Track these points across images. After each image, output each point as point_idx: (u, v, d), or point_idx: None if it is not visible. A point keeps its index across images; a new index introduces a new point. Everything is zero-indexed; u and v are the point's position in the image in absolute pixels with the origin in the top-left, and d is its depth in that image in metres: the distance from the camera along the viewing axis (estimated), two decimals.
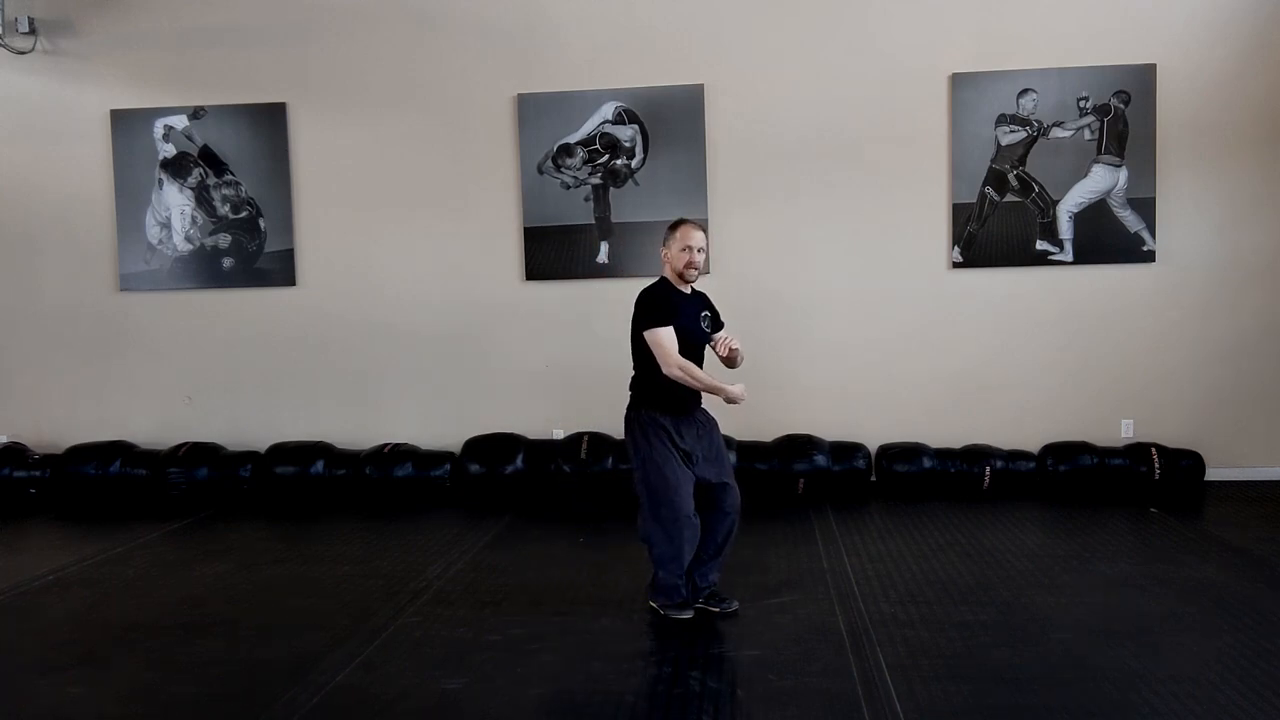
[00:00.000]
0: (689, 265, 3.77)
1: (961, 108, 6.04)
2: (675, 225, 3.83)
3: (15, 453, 6.41)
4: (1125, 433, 6.11)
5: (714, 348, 3.91)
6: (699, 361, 3.84)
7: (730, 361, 3.90)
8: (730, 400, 3.73)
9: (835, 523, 5.19)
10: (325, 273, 6.49)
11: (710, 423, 3.89)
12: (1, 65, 6.51)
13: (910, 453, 5.96)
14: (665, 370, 3.69)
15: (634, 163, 6.21)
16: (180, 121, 6.47)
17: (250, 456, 6.27)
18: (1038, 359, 6.13)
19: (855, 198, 6.14)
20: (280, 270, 6.48)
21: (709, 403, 3.89)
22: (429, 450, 6.28)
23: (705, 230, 3.86)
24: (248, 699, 3.12)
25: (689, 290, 3.89)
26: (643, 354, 3.81)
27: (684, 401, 3.80)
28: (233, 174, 6.46)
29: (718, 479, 3.80)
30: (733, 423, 6.18)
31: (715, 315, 3.99)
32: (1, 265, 6.67)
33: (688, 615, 3.75)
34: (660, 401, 3.78)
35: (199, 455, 6.23)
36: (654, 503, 3.71)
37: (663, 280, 3.86)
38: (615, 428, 6.24)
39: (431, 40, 6.32)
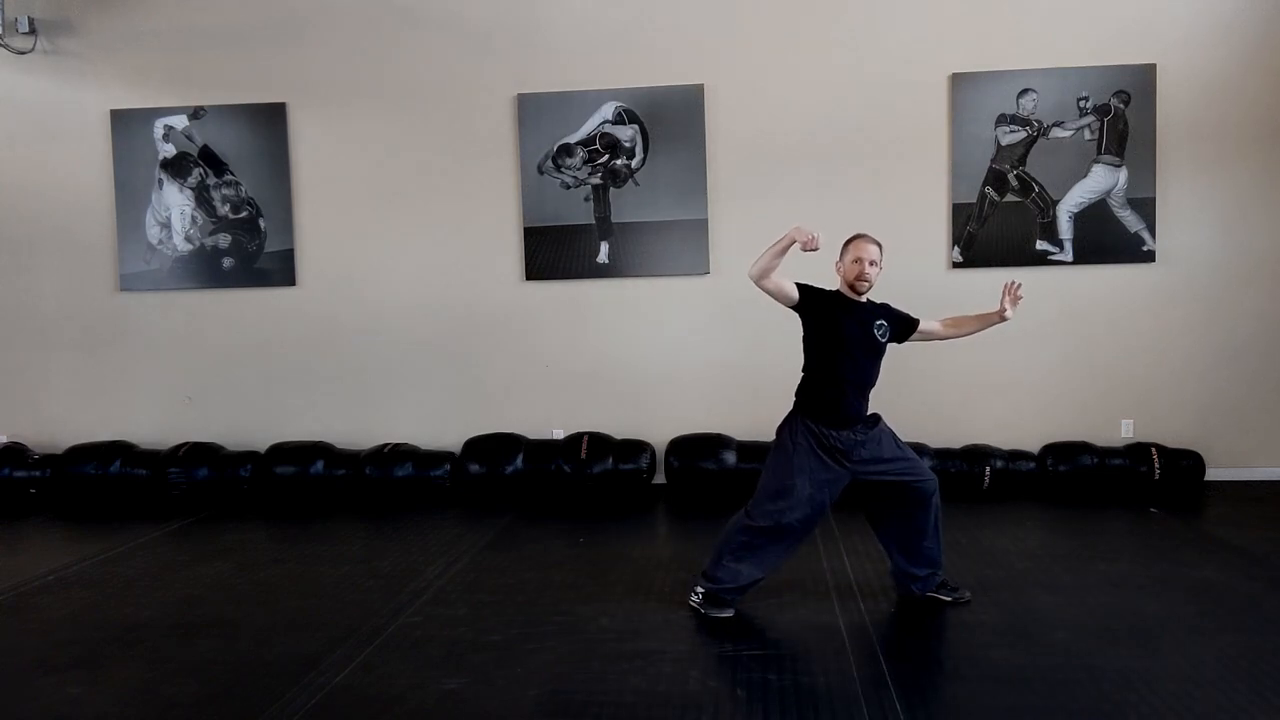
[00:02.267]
0: (859, 277, 3.75)
1: (961, 108, 6.04)
2: (852, 238, 3.83)
3: (15, 453, 6.41)
4: (1125, 433, 6.11)
5: (1005, 301, 3.97)
6: (871, 371, 3.82)
7: (988, 321, 3.99)
8: (799, 243, 3.52)
9: (835, 522, 5.18)
10: (325, 273, 6.50)
11: (879, 434, 3.81)
12: (1, 65, 6.51)
13: None
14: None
15: (634, 163, 6.21)
16: (180, 121, 6.47)
17: (250, 456, 6.27)
18: (1038, 359, 6.14)
19: (855, 198, 6.13)
20: (280, 270, 6.48)
21: (882, 412, 3.87)
22: (429, 450, 6.28)
23: (880, 245, 3.83)
24: (247, 699, 3.12)
25: (863, 300, 3.85)
26: (808, 357, 3.84)
27: (841, 412, 3.75)
28: (233, 174, 6.46)
29: (897, 477, 3.77)
30: (733, 423, 6.20)
31: (899, 323, 3.92)
32: (2, 265, 6.67)
33: (727, 614, 3.76)
34: (814, 409, 3.76)
35: (199, 455, 6.23)
36: (756, 500, 3.75)
37: (835, 291, 3.85)
38: (615, 428, 6.30)
39: (432, 40, 6.32)
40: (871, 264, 3.77)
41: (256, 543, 5.16)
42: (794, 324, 3.88)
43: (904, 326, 3.96)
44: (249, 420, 6.57)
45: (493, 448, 6.14)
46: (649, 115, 6.18)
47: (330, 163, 6.44)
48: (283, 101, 6.42)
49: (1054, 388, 6.14)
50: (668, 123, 6.17)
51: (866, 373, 3.82)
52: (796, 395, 3.86)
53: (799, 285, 3.74)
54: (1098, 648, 3.39)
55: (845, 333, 3.75)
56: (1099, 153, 5.99)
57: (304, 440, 6.39)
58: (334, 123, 6.42)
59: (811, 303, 3.77)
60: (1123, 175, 5.98)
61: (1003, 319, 3.99)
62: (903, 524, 3.85)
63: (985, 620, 3.69)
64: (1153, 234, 5.99)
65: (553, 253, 6.29)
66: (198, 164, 6.48)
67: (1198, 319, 6.07)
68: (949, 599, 3.87)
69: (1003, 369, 6.15)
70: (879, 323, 3.84)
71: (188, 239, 6.52)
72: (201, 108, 6.45)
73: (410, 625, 3.77)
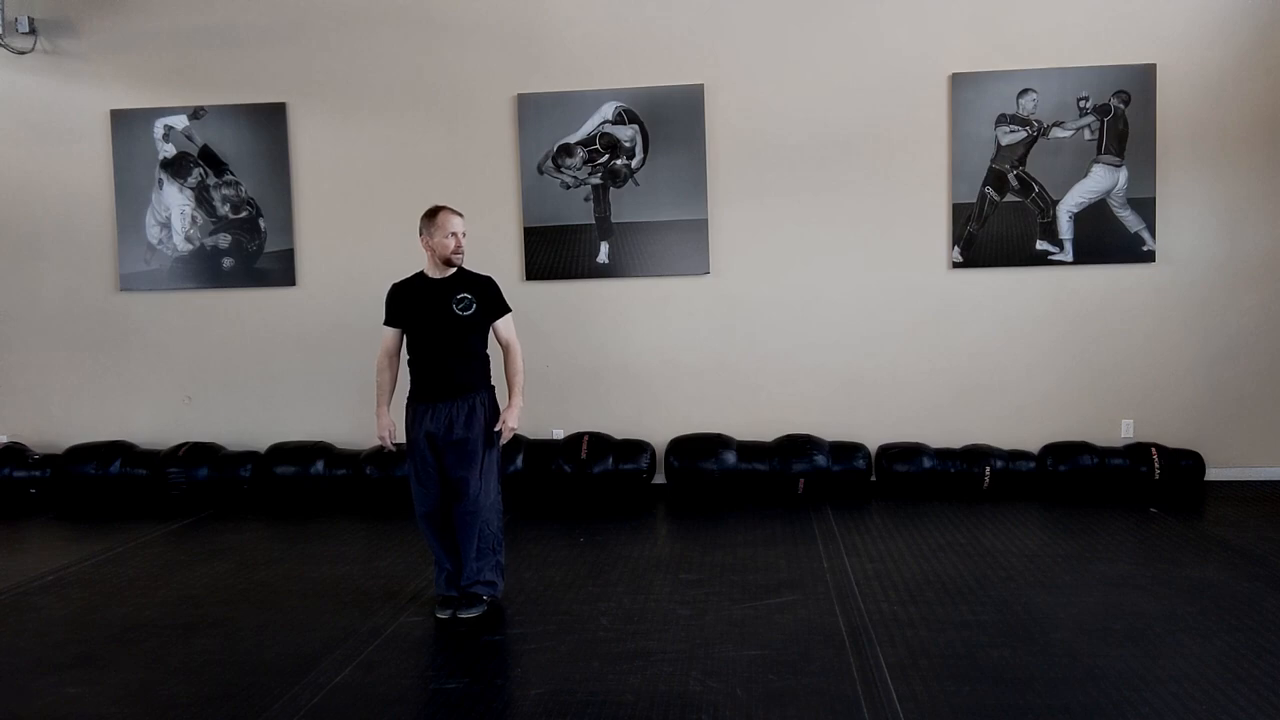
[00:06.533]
0: (456, 250, 3.90)
1: (961, 108, 6.04)
2: (434, 213, 3.92)
3: (15, 453, 6.41)
4: (1125, 433, 6.11)
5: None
6: (451, 344, 3.86)
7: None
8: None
9: (835, 523, 5.19)
10: (325, 273, 6.49)
11: (471, 411, 3.83)
12: (1, 65, 6.51)
13: (910, 453, 5.95)
14: None
15: (634, 163, 6.21)
16: (180, 121, 6.47)
17: (250, 456, 6.26)
18: (1038, 359, 6.13)
19: (855, 197, 6.14)
20: (280, 270, 6.48)
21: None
22: None
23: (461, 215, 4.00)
24: (247, 699, 3.13)
25: (450, 275, 3.94)
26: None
27: (422, 388, 3.88)
28: (233, 174, 6.46)
29: (453, 473, 3.83)
30: (733, 423, 6.20)
31: (486, 297, 3.97)
32: (2, 265, 6.67)
33: (441, 615, 3.83)
34: (411, 388, 3.94)
35: (199, 455, 6.23)
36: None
37: (417, 274, 4.00)
38: (615, 428, 6.30)
39: (432, 40, 6.32)
40: (465, 235, 3.96)
41: (256, 543, 5.16)
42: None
43: (493, 310, 3.98)
44: (249, 420, 6.56)
45: None
46: (649, 115, 6.18)
47: (330, 163, 6.44)
48: (283, 101, 6.42)
49: (1054, 388, 6.14)
50: (668, 123, 6.16)
51: (444, 346, 3.86)
52: None
53: (386, 319, 3.98)
54: (1097, 648, 3.39)
55: (415, 311, 3.90)
56: (1099, 153, 5.99)
57: (304, 440, 6.39)
58: (334, 123, 6.42)
59: (394, 313, 3.97)
60: (1123, 175, 5.98)
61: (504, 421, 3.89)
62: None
63: (985, 620, 3.69)
64: (1153, 234, 5.99)
65: (553, 253, 6.29)
66: (198, 164, 6.48)
67: (1198, 319, 6.06)
68: (459, 616, 3.81)
69: (1003, 369, 6.15)
70: (461, 295, 3.90)
71: (188, 239, 6.52)
72: (201, 108, 6.45)
73: (410, 625, 3.78)
